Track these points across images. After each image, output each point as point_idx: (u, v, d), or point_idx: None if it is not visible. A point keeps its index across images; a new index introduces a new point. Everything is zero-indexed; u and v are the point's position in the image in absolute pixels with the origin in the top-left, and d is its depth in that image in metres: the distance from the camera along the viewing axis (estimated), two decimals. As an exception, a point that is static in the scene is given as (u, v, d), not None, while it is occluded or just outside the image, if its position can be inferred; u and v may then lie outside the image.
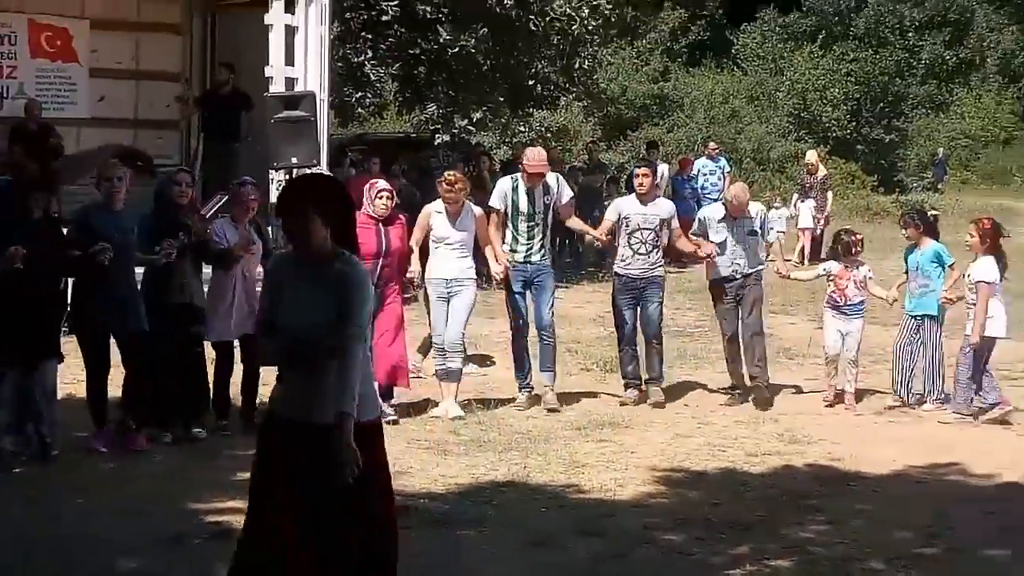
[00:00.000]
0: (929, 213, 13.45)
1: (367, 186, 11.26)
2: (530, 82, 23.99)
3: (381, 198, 10.86)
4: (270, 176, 16.63)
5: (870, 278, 12.10)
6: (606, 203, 22.91)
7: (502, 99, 23.87)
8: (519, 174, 11.95)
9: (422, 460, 9.72)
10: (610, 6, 22.81)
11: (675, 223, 12.23)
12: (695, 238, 12.30)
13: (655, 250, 12.00)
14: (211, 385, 10.44)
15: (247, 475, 8.97)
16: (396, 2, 21.26)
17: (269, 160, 16.66)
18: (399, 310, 11.12)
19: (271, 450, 5.67)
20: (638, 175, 12.08)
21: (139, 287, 9.96)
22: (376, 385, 10.76)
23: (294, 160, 16.56)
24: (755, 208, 12.35)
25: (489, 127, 27.31)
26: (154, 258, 9.81)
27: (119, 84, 19.32)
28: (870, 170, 41.20)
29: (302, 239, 5.59)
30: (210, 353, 10.55)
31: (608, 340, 14.86)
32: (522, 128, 32.33)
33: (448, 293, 11.38)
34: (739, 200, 12.02)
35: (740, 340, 12.13)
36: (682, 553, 7.67)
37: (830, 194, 25.06)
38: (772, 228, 12.71)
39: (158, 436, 10.01)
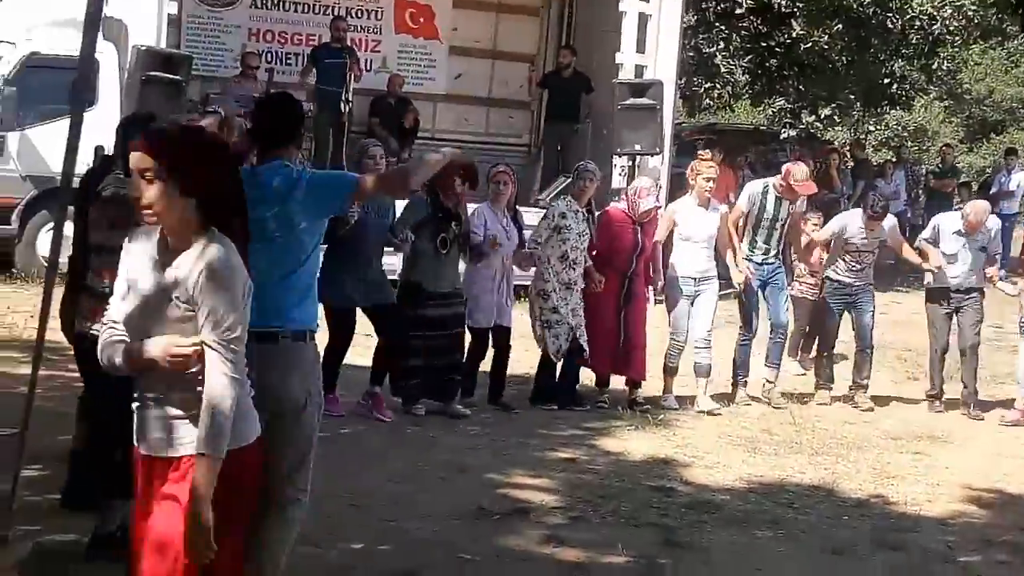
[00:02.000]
0: None
1: (633, 190, 11.43)
2: (885, 80, 23.51)
3: (648, 209, 11.08)
4: (612, 161, 16.89)
5: None
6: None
7: (853, 96, 23.50)
8: (771, 180, 11.98)
9: (730, 456, 9.76)
10: (974, 7, 22.07)
11: (896, 235, 12.48)
12: (926, 245, 12.23)
13: (871, 266, 12.17)
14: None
15: (552, 454, 9.34)
16: (752, -6, 21.20)
17: (612, 146, 16.93)
18: (645, 306, 11.47)
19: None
20: (865, 224, 11.98)
21: (408, 271, 10.35)
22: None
23: (637, 147, 16.81)
24: (992, 223, 12.22)
25: (838, 124, 26.89)
26: (395, 243, 10.07)
27: (476, 62, 19.84)
28: None
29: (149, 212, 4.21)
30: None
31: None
32: (872, 127, 31.66)
33: (696, 292, 11.41)
34: (977, 219, 11.93)
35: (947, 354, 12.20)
36: (982, 576, 7.51)
37: None
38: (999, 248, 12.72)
39: (415, 408, 10.33)
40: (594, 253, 11.11)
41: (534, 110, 20.07)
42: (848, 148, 24.65)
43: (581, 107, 18.16)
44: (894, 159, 26.37)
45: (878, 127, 32.41)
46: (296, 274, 5.50)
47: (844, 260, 12.07)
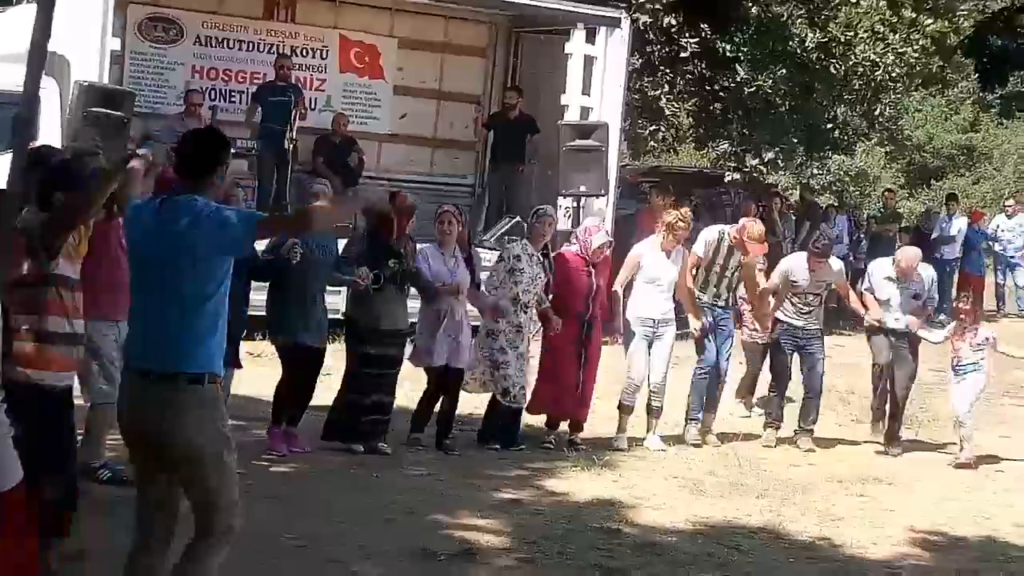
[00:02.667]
0: None
1: (583, 230, 11.42)
2: (828, 125, 23.64)
3: (601, 249, 11.16)
4: (558, 203, 16.86)
5: (990, 339, 11.95)
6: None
7: (796, 140, 23.58)
8: (728, 228, 12.09)
9: (676, 498, 9.73)
10: (916, 55, 22.24)
11: (842, 279, 12.79)
12: (867, 296, 12.40)
13: (819, 309, 12.23)
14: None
15: (498, 495, 9.27)
16: (697, 39, 21.22)
17: (557, 187, 16.92)
18: (599, 352, 11.41)
19: None
20: (810, 262, 12.10)
21: (349, 307, 10.42)
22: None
23: (582, 188, 16.84)
24: (926, 273, 12.37)
25: (782, 168, 27.01)
26: (346, 280, 10.09)
27: (421, 103, 19.74)
28: None
29: None
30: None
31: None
32: (816, 171, 31.84)
33: (654, 334, 11.44)
34: (907, 265, 12.11)
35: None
36: (928, 619, 7.48)
37: None
38: (934, 296, 12.78)
39: (353, 448, 10.23)
40: (551, 297, 11.08)
41: (479, 151, 20.00)
42: (798, 191, 24.70)
43: (526, 148, 18.13)
44: (836, 204, 26.52)
45: (820, 171, 32.55)
46: (197, 314, 5.35)
47: (791, 302, 12.10)
